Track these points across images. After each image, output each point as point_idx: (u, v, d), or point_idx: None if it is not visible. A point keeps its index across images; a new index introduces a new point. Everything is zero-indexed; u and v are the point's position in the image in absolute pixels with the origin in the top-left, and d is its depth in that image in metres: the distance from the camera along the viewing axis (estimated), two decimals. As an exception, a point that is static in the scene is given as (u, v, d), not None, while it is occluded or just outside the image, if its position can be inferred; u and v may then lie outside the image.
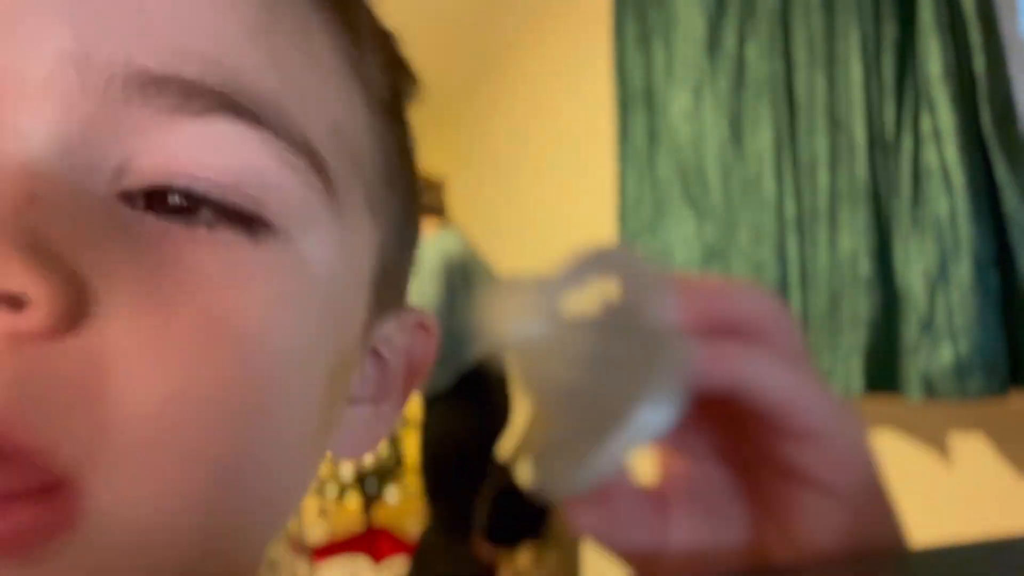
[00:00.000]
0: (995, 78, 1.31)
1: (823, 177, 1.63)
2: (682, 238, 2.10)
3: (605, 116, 2.67)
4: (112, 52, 0.23)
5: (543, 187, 3.16)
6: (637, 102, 2.30)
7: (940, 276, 1.35)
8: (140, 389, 0.21)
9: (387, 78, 0.34)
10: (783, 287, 1.74)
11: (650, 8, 2.25)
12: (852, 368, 1.51)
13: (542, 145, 3.18)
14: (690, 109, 2.06)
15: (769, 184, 1.78)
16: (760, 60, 1.81)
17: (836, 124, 1.61)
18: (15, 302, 0.20)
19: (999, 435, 1.38)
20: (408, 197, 0.35)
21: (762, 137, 1.80)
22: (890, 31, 1.46)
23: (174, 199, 0.24)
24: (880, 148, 1.51)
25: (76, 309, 0.21)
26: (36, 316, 0.20)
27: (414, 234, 0.38)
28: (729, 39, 1.91)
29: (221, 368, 0.23)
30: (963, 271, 1.31)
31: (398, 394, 0.36)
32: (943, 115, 1.35)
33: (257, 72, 0.25)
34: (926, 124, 1.39)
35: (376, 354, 0.35)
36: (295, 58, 0.27)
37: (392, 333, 0.35)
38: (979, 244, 1.30)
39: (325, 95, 0.29)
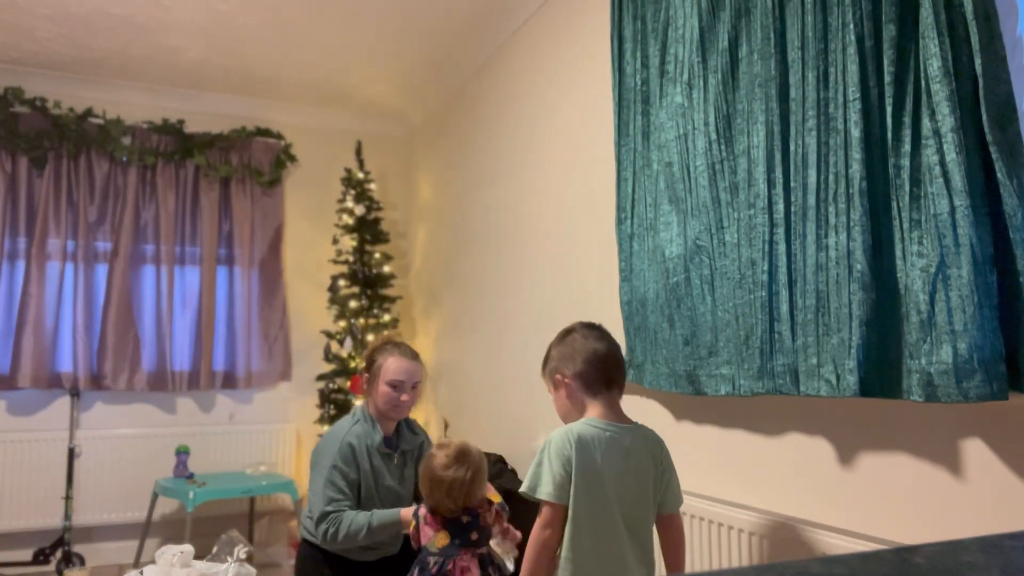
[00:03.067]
0: (995, 78, 1.31)
1: (813, 176, 1.63)
2: (668, 236, 2.10)
3: (605, 114, 2.67)
4: None
5: (542, 185, 3.16)
6: (634, 101, 2.30)
7: (940, 276, 1.35)
8: None
9: None
10: (772, 285, 1.74)
11: (648, 7, 2.25)
12: (846, 367, 1.51)
13: (542, 142, 3.18)
14: (680, 107, 2.06)
15: (760, 182, 1.78)
16: (753, 59, 1.81)
17: (828, 123, 1.61)
18: None
19: (998, 437, 1.38)
20: None
21: (754, 135, 1.80)
22: (890, 31, 1.46)
23: None
24: (877, 147, 1.51)
25: None
26: None
27: None
28: (723, 38, 1.91)
29: None
30: (963, 271, 1.31)
31: None
32: (943, 115, 1.35)
33: None
34: (926, 124, 1.39)
35: None
36: None
37: None
38: (979, 244, 1.30)
39: None
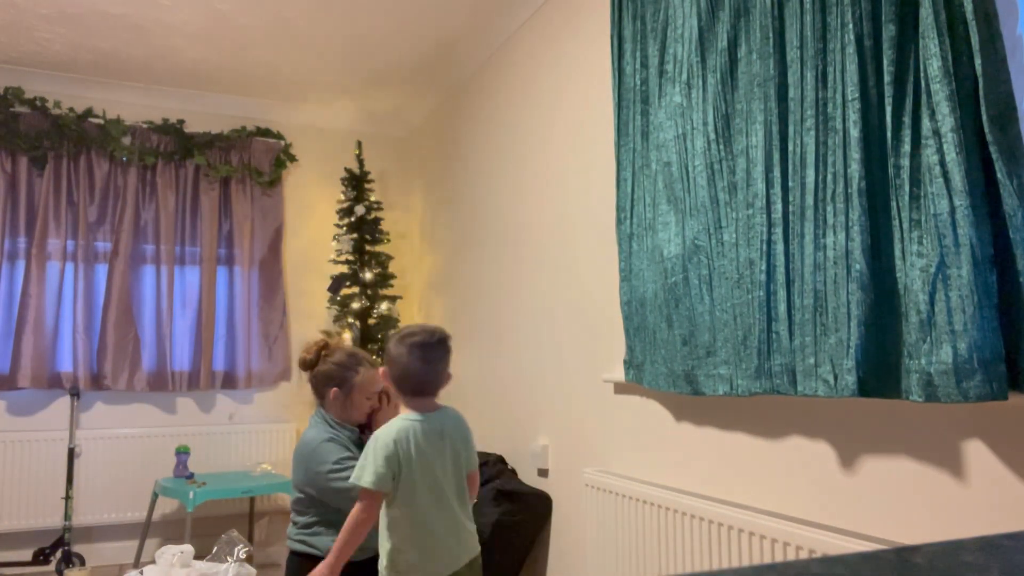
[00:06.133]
0: (995, 78, 1.31)
1: (811, 175, 1.63)
2: (667, 236, 2.10)
3: (604, 114, 2.67)
4: None
5: (542, 185, 3.16)
6: (633, 100, 2.30)
7: (939, 276, 1.35)
8: None
9: None
10: (769, 285, 1.74)
11: (647, 7, 2.25)
12: (844, 367, 1.51)
13: (541, 142, 3.18)
14: (679, 107, 2.06)
15: (758, 182, 1.78)
16: (752, 59, 1.80)
17: (826, 122, 1.61)
18: None
19: (998, 437, 1.38)
20: None
21: (753, 135, 1.80)
22: (889, 31, 1.46)
23: None
24: (876, 147, 1.51)
25: None
26: None
27: None
28: (722, 38, 1.91)
29: None
30: (963, 271, 1.31)
31: None
32: (943, 115, 1.35)
33: None
34: (926, 124, 1.39)
35: None
36: None
37: None
38: (979, 244, 1.30)
39: None
